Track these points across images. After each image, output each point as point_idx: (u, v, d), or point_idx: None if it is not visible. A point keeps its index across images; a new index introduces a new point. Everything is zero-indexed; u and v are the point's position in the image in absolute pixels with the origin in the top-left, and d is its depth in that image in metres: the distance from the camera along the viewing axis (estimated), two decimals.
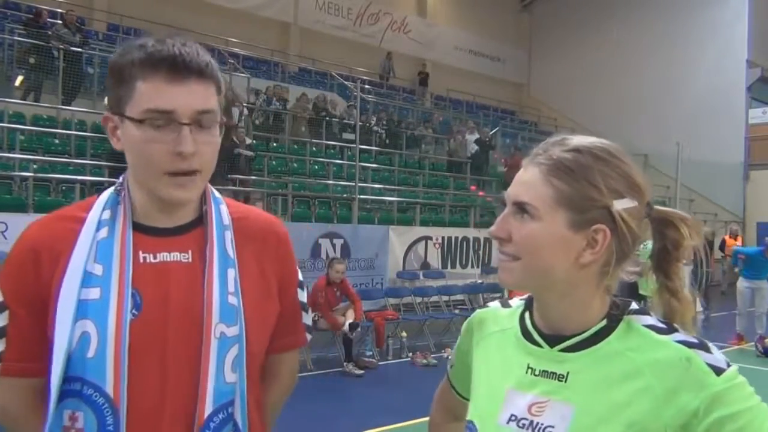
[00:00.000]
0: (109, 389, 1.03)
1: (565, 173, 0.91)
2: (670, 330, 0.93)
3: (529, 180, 0.93)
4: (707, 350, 0.90)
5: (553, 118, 22.17)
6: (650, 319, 0.95)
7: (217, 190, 1.22)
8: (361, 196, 10.75)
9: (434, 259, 10.26)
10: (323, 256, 8.60)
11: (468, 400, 1.11)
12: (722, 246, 15.09)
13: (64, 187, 8.52)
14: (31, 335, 1.08)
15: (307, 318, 1.33)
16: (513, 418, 0.95)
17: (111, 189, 1.15)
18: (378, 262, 9.52)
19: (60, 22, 11.35)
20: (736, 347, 8.53)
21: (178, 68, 1.04)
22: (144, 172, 1.08)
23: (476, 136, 14.71)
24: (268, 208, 10.42)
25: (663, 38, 19.27)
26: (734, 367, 0.89)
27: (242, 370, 1.11)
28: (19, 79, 10.99)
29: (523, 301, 1.07)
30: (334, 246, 9.04)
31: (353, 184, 10.69)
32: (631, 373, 0.90)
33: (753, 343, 8.30)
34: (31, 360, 1.09)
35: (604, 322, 0.94)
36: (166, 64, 1.03)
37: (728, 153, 17.48)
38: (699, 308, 9.08)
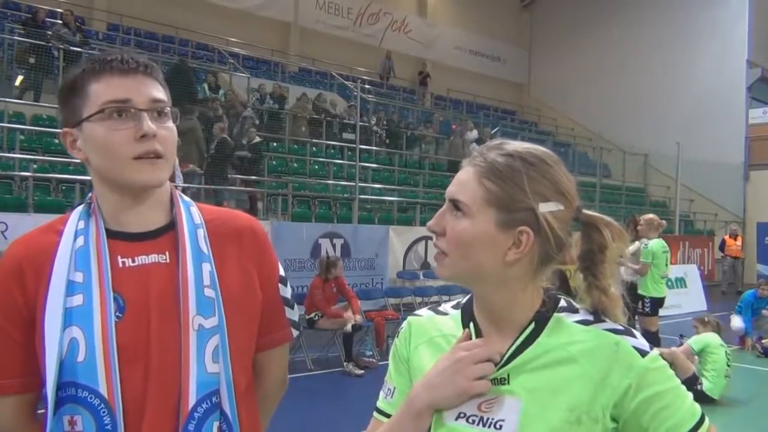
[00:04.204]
0: (103, 390, 1.05)
1: (495, 175, 0.97)
2: (598, 320, 1.00)
3: (464, 180, 1.00)
4: (632, 335, 0.98)
5: (553, 118, 22.19)
6: (578, 315, 1.01)
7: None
8: (362, 196, 10.76)
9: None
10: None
11: None
12: (722, 246, 15.10)
13: (64, 187, 8.52)
14: (22, 352, 1.11)
15: (292, 314, 1.33)
16: (462, 415, 0.99)
17: (82, 205, 1.20)
18: (378, 262, 9.53)
19: (60, 21, 11.34)
20: (735, 347, 8.47)
21: (128, 65, 1.13)
22: (110, 165, 1.12)
23: (476, 135, 14.71)
24: (268, 208, 10.43)
25: (663, 38, 19.28)
26: (656, 351, 0.98)
27: (226, 361, 1.13)
28: (19, 78, 10.97)
29: (458, 311, 1.11)
30: (334, 246, 9.03)
31: (353, 184, 10.70)
32: (567, 360, 0.96)
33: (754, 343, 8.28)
34: (22, 375, 1.12)
35: (532, 326, 1.00)
36: (114, 63, 1.12)
37: (728, 153, 17.47)
38: None
